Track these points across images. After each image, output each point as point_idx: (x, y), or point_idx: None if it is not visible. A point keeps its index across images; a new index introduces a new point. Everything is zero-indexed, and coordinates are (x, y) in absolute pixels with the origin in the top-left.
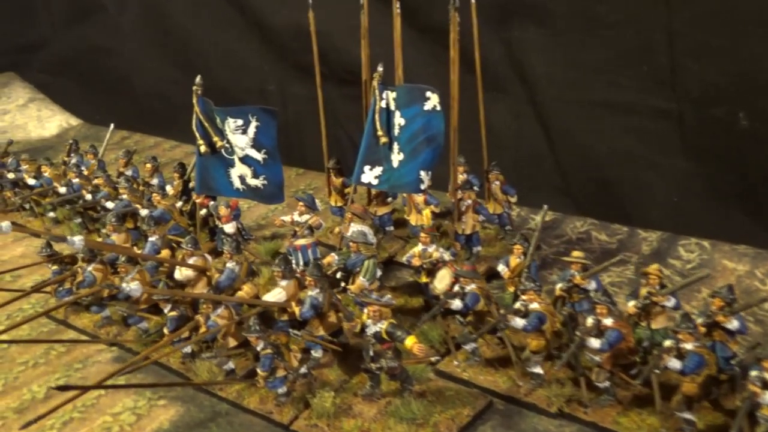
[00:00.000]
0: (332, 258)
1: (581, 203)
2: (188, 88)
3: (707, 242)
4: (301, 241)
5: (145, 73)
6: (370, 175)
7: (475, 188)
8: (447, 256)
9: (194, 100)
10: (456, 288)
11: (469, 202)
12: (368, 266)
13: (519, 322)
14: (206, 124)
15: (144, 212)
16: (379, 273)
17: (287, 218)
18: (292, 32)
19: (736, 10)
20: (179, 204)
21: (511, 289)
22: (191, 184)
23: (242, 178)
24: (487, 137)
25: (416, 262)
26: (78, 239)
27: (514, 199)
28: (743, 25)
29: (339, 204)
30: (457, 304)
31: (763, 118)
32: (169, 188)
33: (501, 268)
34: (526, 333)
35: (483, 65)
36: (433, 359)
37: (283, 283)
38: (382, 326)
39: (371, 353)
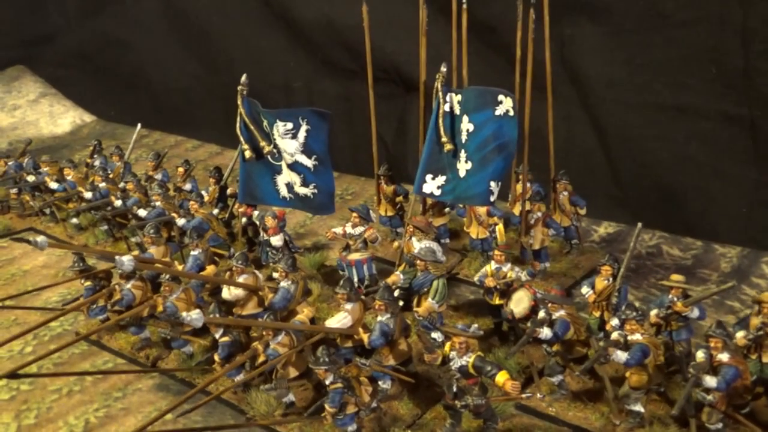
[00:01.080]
0: (397, 277)
1: (640, 214)
2: (209, 83)
3: None
4: (355, 256)
5: (163, 67)
6: (432, 185)
7: (580, 208)
8: (524, 276)
9: (239, 101)
10: (541, 314)
11: (539, 214)
12: (438, 287)
13: (621, 355)
14: (252, 127)
15: (181, 221)
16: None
17: (339, 230)
18: (322, 26)
19: None
20: (215, 211)
21: (596, 313)
22: (229, 191)
23: (290, 186)
24: (538, 142)
25: (490, 282)
26: (127, 260)
27: (583, 211)
28: None
29: (390, 214)
30: (546, 332)
31: None
32: (204, 194)
33: (585, 290)
34: (627, 367)
35: (533, 65)
36: (524, 396)
37: (348, 306)
38: (469, 360)
39: (455, 389)
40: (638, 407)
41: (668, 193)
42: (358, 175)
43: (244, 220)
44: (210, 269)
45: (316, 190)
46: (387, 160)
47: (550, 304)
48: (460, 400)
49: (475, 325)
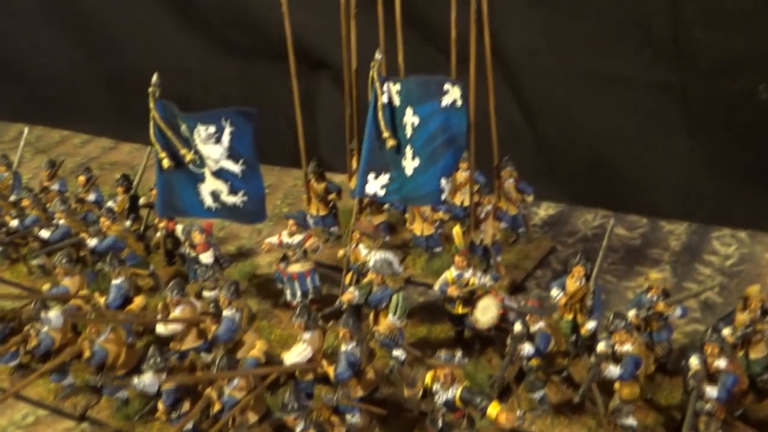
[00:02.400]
0: (352, 295)
1: (576, 191)
2: (93, 69)
3: (743, 233)
4: (295, 267)
5: (40, 54)
6: (375, 185)
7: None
8: (488, 282)
9: (151, 105)
10: (518, 327)
11: (489, 207)
12: (398, 301)
13: (614, 370)
14: (169, 133)
15: (92, 242)
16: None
17: (274, 240)
18: (216, 2)
19: None
20: (127, 224)
21: (568, 317)
22: (141, 200)
23: (215, 195)
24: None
25: (453, 292)
26: (55, 316)
27: (530, 198)
28: None
29: (322, 213)
30: (528, 349)
31: None
32: (111, 204)
33: (555, 292)
34: (621, 381)
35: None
36: (518, 423)
37: (307, 336)
38: (456, 392)
39: (440, 424)
40: (631, 420)
41: (602, 167)
42: (270, 164)
43: (158, 234)
44: (138, 301)
45: (246, 198)
46: (296, 143)
47: (528, 317)
48: None
49: (459, 354)
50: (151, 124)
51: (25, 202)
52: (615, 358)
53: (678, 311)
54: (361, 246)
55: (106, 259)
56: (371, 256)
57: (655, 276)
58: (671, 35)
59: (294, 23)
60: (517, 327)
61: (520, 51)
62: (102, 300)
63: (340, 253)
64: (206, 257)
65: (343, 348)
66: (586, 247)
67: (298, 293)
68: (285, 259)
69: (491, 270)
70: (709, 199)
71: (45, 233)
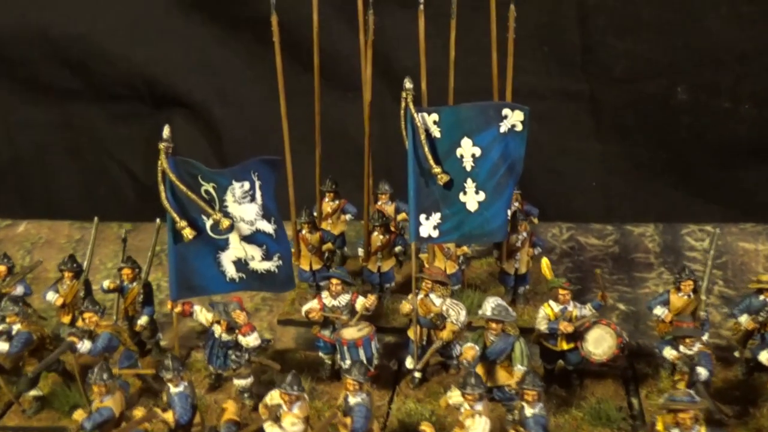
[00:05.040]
0: (475, 350)
1: None
2: None
3: (709, 226)
4: (354, 333)
5: None
6: (428, 226)
7: (534, 217)
8: (588, 312)
9: (164, 163)
10: (671, 352)
11: (525, 235)
12: (522, 349)
13: None
14: (192, 195)
15: (85, 346)
16: None
17: (314, 304)
18: (27, 38)
19: None
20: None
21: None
22: (106, 284)
23: (241, 264)
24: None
25: (568, 328)
26: None
27: (536, 220)
28: None
29: (316, 267)
30: (704, 373)
31: (707, 90)
32: (51, 296)
33: (661, 310)
34: None
35: (330, 61)
36: None
37: (296, 409)
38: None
39: None
40: None
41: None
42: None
43: (144, 318)
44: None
45: (281, 262)
46: (136, 193)
47: (686, 341)
48: None
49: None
50: (163, 186)
51: None
52: None
53: None
54: (432, 296)
55: None
56: (445, 305)
57: (765, 277)
58: (581, 45)
59: (132, 55)
60: (669, 352)
61: (410, 69)
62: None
63: (407, 307)
64: (253, 339)
65: (353, 400)
66: (574, 261)
67: (364, 359)
68: (328, 324)
69: (519, 299)
70: (629, 198)
71: (3, 345)
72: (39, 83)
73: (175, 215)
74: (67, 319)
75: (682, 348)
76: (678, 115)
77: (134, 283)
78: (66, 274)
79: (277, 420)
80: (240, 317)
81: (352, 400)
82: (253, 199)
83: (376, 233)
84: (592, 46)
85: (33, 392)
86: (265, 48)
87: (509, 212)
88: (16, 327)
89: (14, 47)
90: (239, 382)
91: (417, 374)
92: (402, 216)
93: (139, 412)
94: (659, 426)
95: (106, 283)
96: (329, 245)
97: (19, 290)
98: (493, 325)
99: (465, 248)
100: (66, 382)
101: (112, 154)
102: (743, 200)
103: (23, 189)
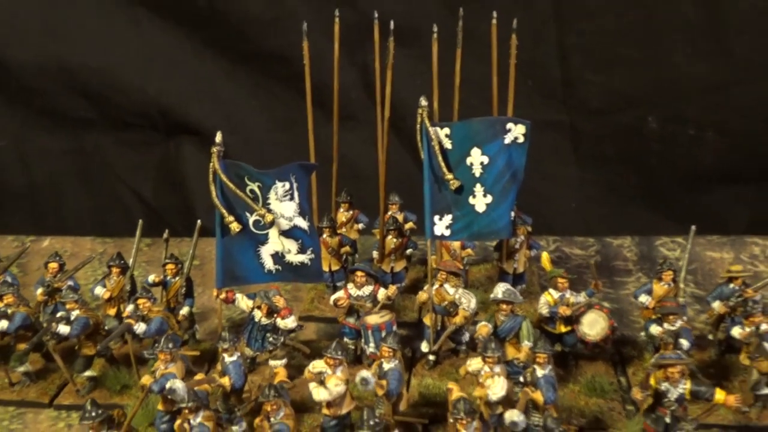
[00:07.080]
0: (488, 327)
1: None
2: None
3: (680, 238)
4: (375, 319)
5: None
6: (441, 225)
7: (528, 226)
8: (582, 299)
9: (215, 164)
10: (656, 329)
11: (522, 238)
12: (529, 328)
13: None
14: (240, 193)
15: (140, 328)
16: None
17: (342, 294)
18: (44, 69)
19: (641, 23)
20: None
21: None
22: (151, 277)
23: (278, 257)
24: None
25: (566, 311)
26: None
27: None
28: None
29: (335, 268)
30: (685, 344)
31: (674, 120)
32: (99, 290)
33: (645, 298)
34: None
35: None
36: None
37: (339, 372)
38: (686, 386)
39: (667, 420)
40: (766, 390)
41: None
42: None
43: (186, 309)
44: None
45: (313, 255)
46: (146, 216)
47: (670, 318)
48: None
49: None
50: (213, 186)
51: (9, 299)
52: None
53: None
54: (446, 286)
55: None
56: (458, 294)
57: (737, 267)
58: (562, 79)
59: (146, 86)
60: (655, 329)
61: (409, 103)
62: (225, 380)
63: (423, 296)
64: (291, 321)
65: (387, 366)
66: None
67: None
68: (353, 312)
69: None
70: (605, 219)
71: (64, 329)
72: (56, 112)
73: (224, 211)
74: (112, 311)
75: (666, 324)
76: (649, 143)
77: (177, 278)
78: (114, 269)
79: (321, 383)
80: (280, 301)
81: (387, 366)
82: (292, 197)
83: (390, 237)
84: (571, 80)
85: (88, 373)
86: (268, 80)
87: (513, 214)
88: (75, 313)
89: (33, 78)
90: (274, 363)
91: (431, 357)
92: (409, 225)
93: (199, 377)
94: (652, 381)
95: (151, 278)
96: (347, 248)
97: (69, 283)
98: (504, 307)
99: (469, 250)
100: (116, 366)
101: (123, 179)
102: (708, 218)
103: (37, 213)
